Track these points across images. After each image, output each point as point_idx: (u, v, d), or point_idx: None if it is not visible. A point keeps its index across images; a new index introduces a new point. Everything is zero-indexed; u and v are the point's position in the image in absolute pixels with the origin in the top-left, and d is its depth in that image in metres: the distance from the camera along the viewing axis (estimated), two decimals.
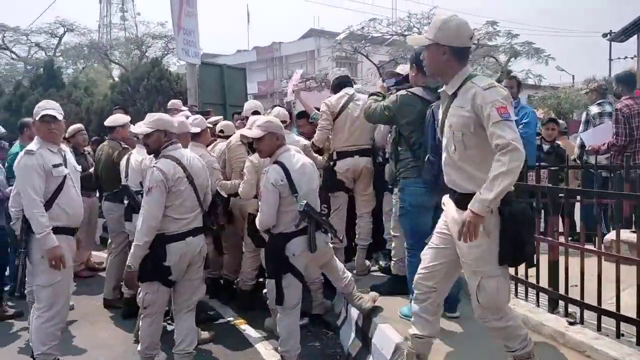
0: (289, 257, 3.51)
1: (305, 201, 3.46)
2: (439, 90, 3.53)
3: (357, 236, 5.14)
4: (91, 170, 6.06)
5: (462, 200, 2.60)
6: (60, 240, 3.57)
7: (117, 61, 36.08)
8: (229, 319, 5.03)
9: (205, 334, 4.42)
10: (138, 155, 4.72)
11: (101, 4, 55.38)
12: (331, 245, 3.86)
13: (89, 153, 6.96)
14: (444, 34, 2.57)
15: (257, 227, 3.62)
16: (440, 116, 3.42)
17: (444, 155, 2.77)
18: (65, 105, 12.22)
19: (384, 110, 3.81)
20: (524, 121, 5.81)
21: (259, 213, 3.59)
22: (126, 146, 5.33)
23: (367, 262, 5.22)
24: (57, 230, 3.58)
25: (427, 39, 2.61)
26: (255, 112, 5.39)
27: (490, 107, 2.41)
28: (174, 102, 7.30)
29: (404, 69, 4.70)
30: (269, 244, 3.59)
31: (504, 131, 2.37)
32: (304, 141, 5.31)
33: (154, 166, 3.49)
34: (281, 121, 5.27)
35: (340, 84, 5.19)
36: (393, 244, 4.58)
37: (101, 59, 36.19)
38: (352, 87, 5.23)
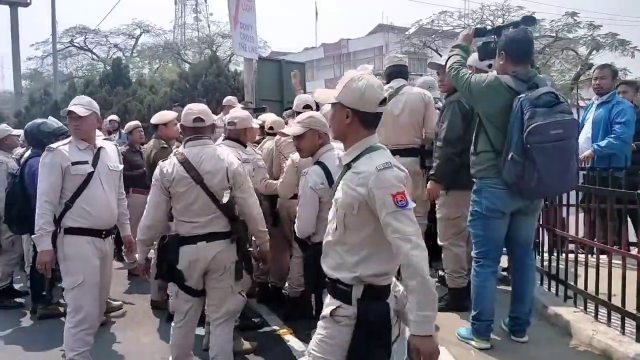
0: None
1: None
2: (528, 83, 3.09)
3: None
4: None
5: (332, 288, 2.16)
6: (79, 242, 3.39)
7: (189, 60, 37.09)
8: (274, 327, 4.73)
9: (247, 345, 4.13)
10: None
11: (176, 6, 57.34)
12: None
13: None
14: (348, 95, 2.11)
15: (296, 234, 3.28)
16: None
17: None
18: (129, 102, 12.50)
19: (467, 87, 3.32)
20: (621, 120, 5.05)
21: (296, 219, 3.24)
22: (165, 145, 5.14)
23: None
24: (79, 231, 3.41)
25: (334, 96, 2.17)
26: (307, 107, 5.06)
27: (384, 193, 1.97)
28: (229, 99, 7.12)
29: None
30: (306, 255, 3.22)
31: (401, 222, 1.94)
32: None
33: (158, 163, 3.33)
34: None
35: (392, 74, 4.71)
36: (443, 255, 4.13)
37: (174, 58, 37.37)
38: (406, 78, 4.76)
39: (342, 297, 2.09)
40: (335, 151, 3.26)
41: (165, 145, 5.12)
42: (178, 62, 37.26)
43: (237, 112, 4.53)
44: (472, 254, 3.48)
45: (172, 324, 3.47)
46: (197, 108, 3.42)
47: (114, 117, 9.47)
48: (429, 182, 4.13)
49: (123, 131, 8.34)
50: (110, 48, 39.44)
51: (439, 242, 4.21)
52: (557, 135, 2.98)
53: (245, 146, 4.17)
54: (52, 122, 5.06)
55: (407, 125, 4.51)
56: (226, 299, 3.36)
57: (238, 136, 4.09)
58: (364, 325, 2.04)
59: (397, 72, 4.70)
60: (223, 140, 4.13)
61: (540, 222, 4.32)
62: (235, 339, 4.14)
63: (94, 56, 39.19)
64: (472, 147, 3.44)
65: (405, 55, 5.23)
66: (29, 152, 5.04)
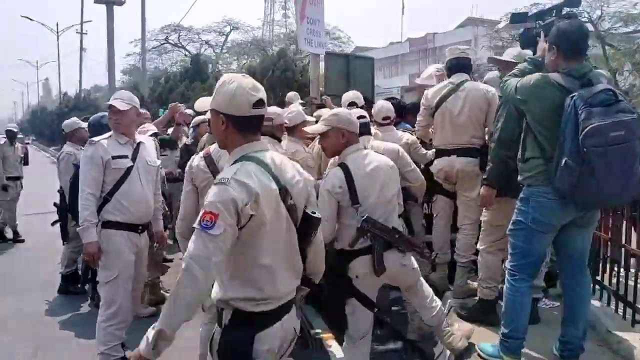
0: (352, 279, 2.95)
1: (365, 215, 2.88)
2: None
3: (455, 251, 4.37)
4: None
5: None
6: (115, 237, 3.42)
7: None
8: (317, 330, 4.59)
9: None
10: None
11: (266, 3, 58.78)
12: (415, 266, 3.18)
13: None
14: (219, 100, 1.97)
15: None
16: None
17: None
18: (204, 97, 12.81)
19: (514, 93, 3.02)
20: None
21: None
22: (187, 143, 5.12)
23: (471, 284, 4.37)
24: (116, 225, 3.43)
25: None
26: (352, 104, 4.85)
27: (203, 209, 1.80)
28: (289, 95, 7.06)
29: (511, 53, 3.85)
30: (328, 262, 3.04)
31: (193, 242, 1.78)
32: (407, 137, 4.67)
33: None
34: (384, 117, 4.77)
35: (452, 68, 4.35)
36: (479, 260, 3.84)
37: (261, 54, 38.26)
38: (469, 72, 4.41)
39: (218, 319, 1.98)
40: (364, 152, 3.07)
41: (188, 143, 5.11)
42: (263, 58, 38.17)
43: (273, 107, 4.46)
44: (508, 265, 3.16)
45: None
46: (205, 101, 3.41)
47: (189, 111, 9.75)
48: (482, 187, 3.82)
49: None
50: (201, 45, 41.11)
51: (478, 246, 3.90)
52: (618, 138, 2.62)
53: (280, 141, 4.08)
54: None
55: (467, 124, 4.19)
56: None
57: (274, 132, 4.01)
58: (215, 356, 1.94)
59: (458, 65, 4.32)
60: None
61: (602, 232, 3.90)
62: None
63: (187, 53, 40.95)
64: (519, 153, 3.12)
65: (468, 47, 4.83)
66: None
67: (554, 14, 3.35)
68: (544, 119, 2.90)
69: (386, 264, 2.91)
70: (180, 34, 40.27)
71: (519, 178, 3.11)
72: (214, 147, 3.26)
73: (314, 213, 2.06)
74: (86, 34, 31.22)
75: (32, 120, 44.38)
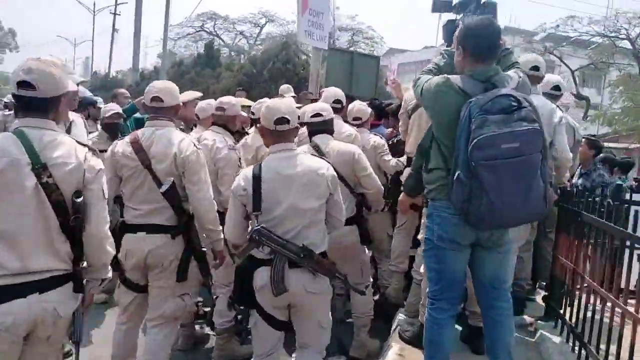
0: (255, 289, 2.67)
1: (259, 225, 2.57)
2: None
3: (413, 267, 4.05)
4: None
5: None
6: None
7: (306, 52, 37.61)
8: None
9: (244, 349, 3.82)
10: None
11: None
12: (328, 298, 2.84)
13: None
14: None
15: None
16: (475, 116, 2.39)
17: None
18: (212, 85, 12.64)
19: (420, 94, 2.74)
20: None
21: None
22: (182, 127, 4.91)
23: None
24: None
25: None
26: (338, 102, 4.57)
27: None
28: (282, 88, 6.82)
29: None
30: (238, 265, 2.78)
31: None
32: (375, 140, 4.36)
33: None
34: (354, 117, 4.47)
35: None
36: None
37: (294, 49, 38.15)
38: None
39: None
40: (291, 153, 2.74)
41: (182, 127, 4.90)
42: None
43: (228, 97, 4.25)
44: (427, 292, 2.84)
45: (115, 321, 3.22)
46: (159, 86, 3.16)
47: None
48: (401, 194, 3.68)
49: None
50: (236, 35, 41.18)
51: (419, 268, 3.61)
52: (511, 150, 2.29)
53: (233, 133, 3.87)
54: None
55: None
56: (164, 300, 3.03)
57: (226, 122, 3.90)
58: None
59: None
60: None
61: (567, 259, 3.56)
62: (230, 342, 3.84)
63: (221, 41, 41.08)
64: (425, 163, 2.83)
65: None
66: None
67: (474, 4, 2.97)
68: (445, 127, 2.58)
69: (289, 285, 2.60)
70: (216, 23, 40.41)
71: (424, 191, 2.83)
72: (141, 132, 3.05)
73: (78, 199, 2.06)
74: (119, 14, 31.54)
75: None
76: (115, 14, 32.14)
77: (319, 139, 3.61)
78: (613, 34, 20.82)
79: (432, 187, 2.70)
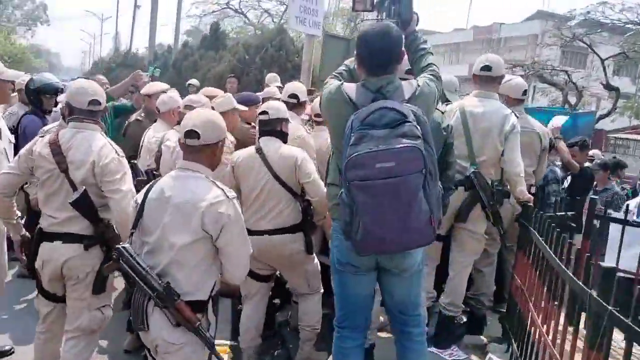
0: None
1: (125, 245, 2.28)
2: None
3: None
4: None
5: None
6: None
7: (333, 32, 36.89)
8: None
9: None
10: (154, 132, 4.14)
11: None
12: (191, 342, 2.29)
13: None
14: None
15: None
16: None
17: None
18: (213, 68, 12.36)
19: (320, 103, 2.61)
20: None
21: None
22: (140, 118, 4.74)
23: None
24: None
25: None
26: (293, 96, 4.29)
27: None
28: (269, 77, 6.61)
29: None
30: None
31: None
32: (301, 132, 3.98)
33: None
34: (316, 114, 4.14)
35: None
36: None
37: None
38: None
39: None
40: (184, 173, 2.36)
41: (140, 119, 4.74)
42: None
43: (198, 96, 4.07)
44: (334, 321, 2.65)
45: (37, 330, 3.10)
46: (92, 88, 2.95)
47: (193, 81, 9.45)
48: None
49: None
50: (262, 13, 40.77)
51: None
52: (386, 170, 2.09)
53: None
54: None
55: None
56: (80, 313, 2.88)
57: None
58: None
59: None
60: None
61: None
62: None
63: (246, 19, 40.74)
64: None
65: None
66: None
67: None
68: (339, 138, 2.37)
69: (151, 325, 2.28)
70: (242, 0, 40.04)
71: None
72: (62, 134, 2.87)
73: None
74: None
75: (92, 73, 46.12)
76: None
77: (263, 141, 3.43)
78: None
79: (330, 205, 2.54)
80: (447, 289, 3.67)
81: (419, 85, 2.43)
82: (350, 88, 2.41)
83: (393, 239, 2.22)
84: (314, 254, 3.61)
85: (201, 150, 2.36)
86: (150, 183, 2.45)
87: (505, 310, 3.81)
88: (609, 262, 3.94)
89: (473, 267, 3.75)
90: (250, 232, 3.31)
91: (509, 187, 3.49)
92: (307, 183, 3.36)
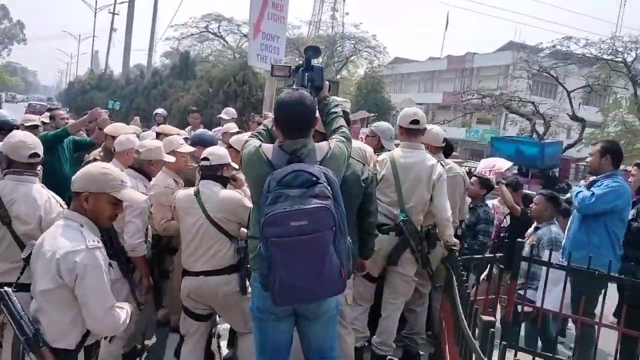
0: None
1: (4, 289, 2.33)
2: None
3: None
4: None
5: None
6: None
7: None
8: None
9: None
10: None
11: (315, 2, 58.71)
12: None
13: None
14: None
15: None
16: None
17: None
18: (181, 97, 12.51)
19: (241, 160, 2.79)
20: None
21: None
22: (97, 157, 4.82)
23: None
24: None
25: None
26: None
27: None
28: (225, 110, 6.76)
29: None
30: None
31: None
32: None
33: None
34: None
35: None
36: None
37: (296, 54, 38.05)
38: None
39: None
40: (64, 222, 2.40)
41: (98, 158, 4.81)
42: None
43: (150, 141, 4.16)
44: None
45: None
46: (32, 141, 3.00)
47: (160, 110, 9.56)
48: None
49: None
50: (241, 37, 41.17)
51: None
52: (300, 228, 2.27)
53: (150, 178, 3.79)
54: None
55: None
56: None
57: (141, 166, 3.75)
58: None
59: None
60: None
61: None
62: None
63: (225, 43, 41.06)
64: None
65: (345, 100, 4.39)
66: None
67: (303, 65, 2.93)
68: (257, 196, 2.57)
69: None
70: (221, 24, 40.41)
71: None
72: (6, 187, 2.89)
73: None
74: (118, 14, 31.58)
75: (68, 92, 45.74)
76: (113, 13, 32.23)
77: (202, 184, 3.52)
78: (610, 57, 20.58)
79: (251, 257, 2.70)
80: (379, 329, 3.83)
81: (330, 148, 2.62)
82: (268, 149, 2.59)
83: (307, 290, 2.40)
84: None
85: (76, 198, 2.42)
86: None
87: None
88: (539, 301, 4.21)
89: (406, 306, 3.93)
90: (187, 273, 3.49)
91: (438, 231, 3.70)
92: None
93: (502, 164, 6.31)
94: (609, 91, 24.01)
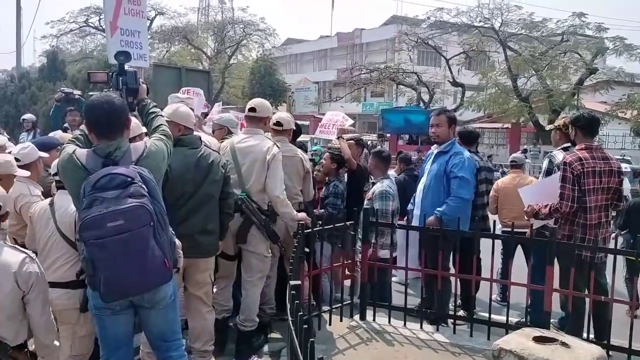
0: None
1: None
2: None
3: None
4: None
5: None
6: None
7: (197, 46, 36.77)
8: None
9: None
10: None
11: None
12: None
13: None
14: None
15: None
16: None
17: None
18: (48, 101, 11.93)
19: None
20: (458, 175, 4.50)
21: None
22: None
23: None
24: None
25: None
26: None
27: None
28: None
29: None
30: None
31: None
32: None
33: None
34: None
35: None
36: None
37: (185, 42, 37.06)
38: None
39: None
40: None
41: None
42: (188, 47, 37.07)
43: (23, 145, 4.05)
44: None
45: None
46: None
47: (27, 116, 9.14)
48: None
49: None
50: None
51: None
52: (117, 228, 2.42)
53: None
54: None
55: None
56: None
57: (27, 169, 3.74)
58: None
59: None
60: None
61: None
62: None
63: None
64: None
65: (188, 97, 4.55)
66: None
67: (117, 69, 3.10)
68: (77, 201, 2.67)
69: None
70: (102, 17, 38.41)
71: None
72: None
73: None
74: None
75: None
76: None
77: (57, 195, 3.40)
78: (478, 24, 22.02)
79: (81, 258, 2.74)
80: (241, 307, 4.06)
81: (146, 147, 2.76)
82: (82, 154, 2.66)
83: (132, 285, 2.55)
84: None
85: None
86: None
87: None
88: (400, 262, 4.66)
89: None
90: None
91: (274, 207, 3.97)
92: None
93: (343, 120, 6.67)
94: (483, 56, 25.71)
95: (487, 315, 4.23)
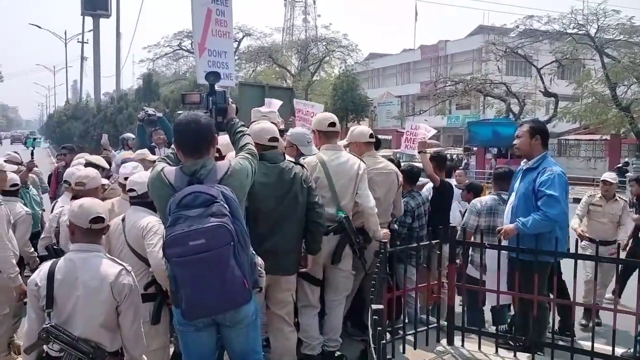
0: None
1: (48, 324, 2.55)
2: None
3: None
4: None
5: None
6: None
7: (281, 64, 37.75)
8: None
9: None
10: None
11: (285, 8, 59.03)
12: None
13: None
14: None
15: None
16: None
17: None
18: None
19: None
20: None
21: None
22: None
23: None
24: None
25: None
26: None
27: None
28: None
29: None
30: None
31: None
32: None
33: None
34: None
35: None
36: None
37: (270, 61, 38.19)
38: None
39: None
40: (84, 255, 2.70)
41: None
42: (273, 66, 38.18)
43: (87, 170, 4.24)
44: None
45: None
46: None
47: (127, 135, 9.63)
48: None
49: None
50: None
51: None
52: (198, 247, 2.42)
53: None
54: None
55: None
56: None
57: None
58: None
59: None
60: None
61: None
62: None
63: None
64: None
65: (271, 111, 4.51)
66: None
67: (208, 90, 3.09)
68: (163, 219, 2.73)
69: None
70: (192, 41, 40.44)
71: None
72: None
73: None
74: (87, 42, 31.40)
75: (47, 125, 45.74)
76: (82, 42, 32.07)
77: (130, 211, 3.49)
78: (572, 31, 20.86)
79: (167, 275, 2.78)
80: (326, 327, 3.96)
81: (231, 166, 2.76)
82: (170, 172, 2.72)
83: (213, 304, 2.56)
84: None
85: (102, 232, 2.79)
86: (44, 267, 2.70)
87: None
88: (490, 285, 4.31)
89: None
90: None
91: (365, 224, 3.86)
92: (148, 253, 3.31)
93: (425, 132, 6.39)
94: (578, 64, 24.29)
95: (589, 344, 3.86)
